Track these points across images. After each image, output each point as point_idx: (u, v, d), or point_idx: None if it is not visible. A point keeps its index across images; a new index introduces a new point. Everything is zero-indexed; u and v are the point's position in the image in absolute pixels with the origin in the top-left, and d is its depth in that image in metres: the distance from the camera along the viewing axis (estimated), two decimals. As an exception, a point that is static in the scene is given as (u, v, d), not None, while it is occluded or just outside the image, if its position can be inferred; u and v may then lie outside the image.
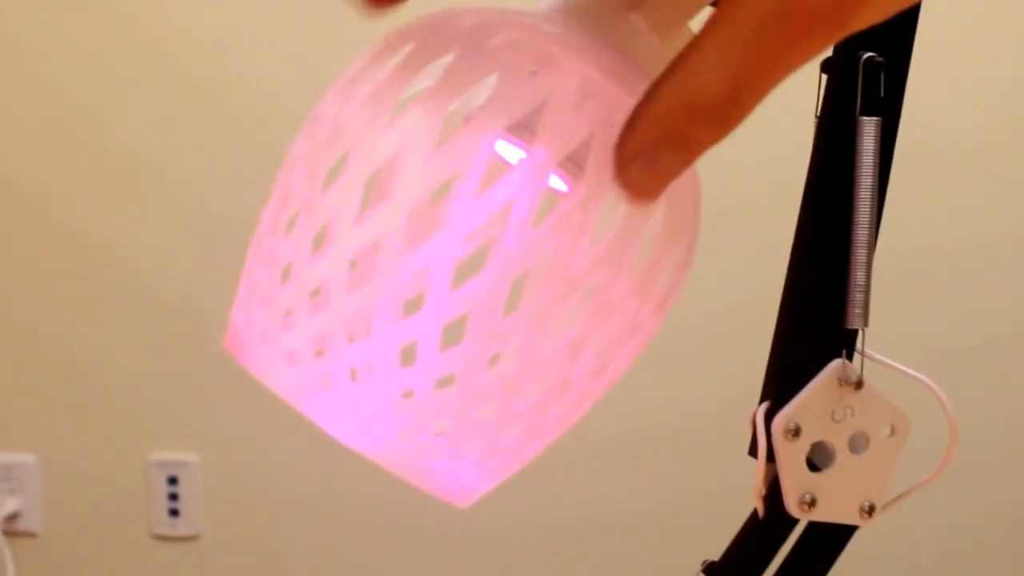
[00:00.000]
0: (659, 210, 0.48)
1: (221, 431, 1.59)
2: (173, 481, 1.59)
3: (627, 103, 0.47)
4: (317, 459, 1.50)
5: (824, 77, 0.56)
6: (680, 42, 0.51)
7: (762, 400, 0.56)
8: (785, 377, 0.55)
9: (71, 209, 1.56)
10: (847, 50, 0.55)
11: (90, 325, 1.59)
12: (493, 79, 0.46)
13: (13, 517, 1.64)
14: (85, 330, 1.59)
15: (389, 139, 0.46)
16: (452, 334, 0.46)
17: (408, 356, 0.47)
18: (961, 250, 1.51)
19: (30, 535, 1.66)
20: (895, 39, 0.55)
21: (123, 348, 1.59)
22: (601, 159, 0.46)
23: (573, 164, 0.48)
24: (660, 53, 0.50)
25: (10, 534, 1.65)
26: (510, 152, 0.49)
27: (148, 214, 1.55)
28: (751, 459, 0.56)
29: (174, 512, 1.61)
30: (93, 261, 1.57)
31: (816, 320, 0.55)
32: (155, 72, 1.52)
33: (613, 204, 0.46)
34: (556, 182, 0.49)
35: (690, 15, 0.50)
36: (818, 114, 0.57)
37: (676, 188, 0.48)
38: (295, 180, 0.48)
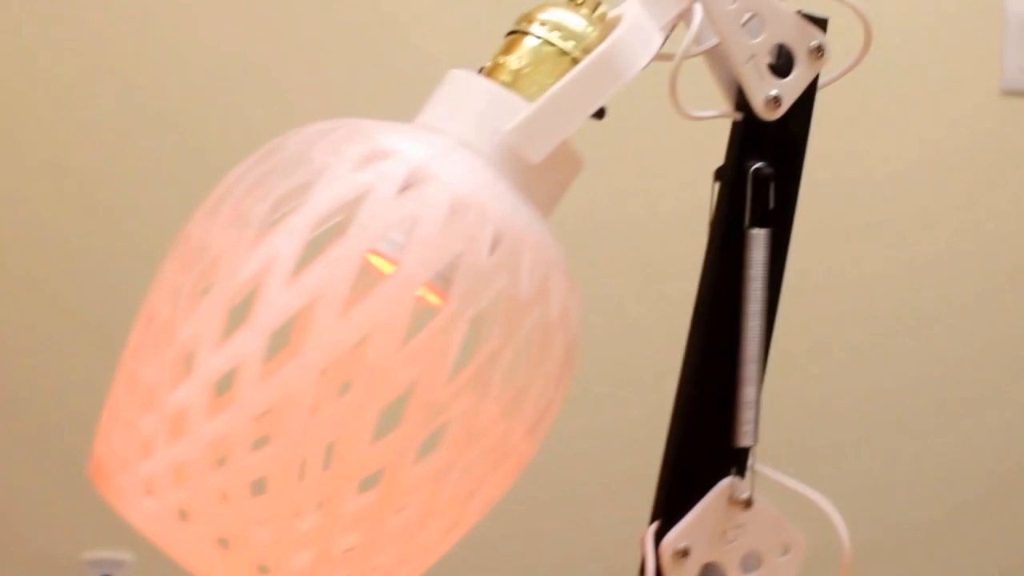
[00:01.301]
0: (528, 327, 0.46)
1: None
2: (106, 581, 1.55)
3: (498, 220, 0.46)
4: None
5: (716, 185, 0.56)
6: (559, 162, 0.51)
7: (652, 519, 0.54)
8: (675, 496, 0.53)
9: None
10: (737, 160, 0.54)
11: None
12: (362, 195, 0.45)
13: (-54, 619, 1.60)
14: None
15: (251, 262, 0.44)
16: (315, 461, 0.45)
17: (260, 486, 0.45)
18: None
19: (-41, 640, 1.61)
20: (786, 150, 0.54)
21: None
22: (468, 279, 0.44)
23: (443, 280, 0.46)
24: (537, 171, 0.49)
25: (-59, 637, 1.61)
26: (383, 264, 0.48)
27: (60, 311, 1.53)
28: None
29: (107, 614, 1.56)
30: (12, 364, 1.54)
31: (706, 437, 0.53)
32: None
33: (478, 326, 0.45)
34: (431, 296, 0.48)
35: (567, 132, 0.49)
36: (710, 223, 0.56)
37: (546, 304, 0.47)
38: (159, 302, 0.47)
